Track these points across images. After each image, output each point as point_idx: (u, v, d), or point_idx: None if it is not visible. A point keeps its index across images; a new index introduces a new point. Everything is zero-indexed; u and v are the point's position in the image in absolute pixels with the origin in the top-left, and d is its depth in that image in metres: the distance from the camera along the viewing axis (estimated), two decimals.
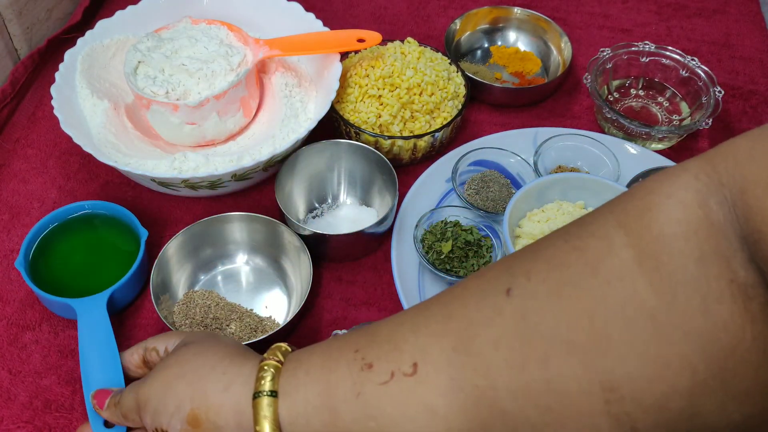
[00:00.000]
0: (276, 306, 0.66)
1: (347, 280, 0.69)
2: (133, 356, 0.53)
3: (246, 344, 0.58)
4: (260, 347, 0.60)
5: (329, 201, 0.75)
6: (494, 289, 0.33)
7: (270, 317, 0.64)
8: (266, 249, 0.69)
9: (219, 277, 0.68)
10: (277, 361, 0.39)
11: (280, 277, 0.68)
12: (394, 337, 0.35)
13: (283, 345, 0.42)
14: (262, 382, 0.38)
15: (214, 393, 0.39)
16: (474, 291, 0.35)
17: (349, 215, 0.73)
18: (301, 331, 0.65)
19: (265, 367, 0.39)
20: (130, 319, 0.65)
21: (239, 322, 0.63)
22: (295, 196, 0.73)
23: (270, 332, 0.60)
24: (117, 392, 0.49)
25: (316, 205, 0.74)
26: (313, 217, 0.73)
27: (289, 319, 0.61)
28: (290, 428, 0.37)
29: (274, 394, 0.37)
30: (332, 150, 0.72)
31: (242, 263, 0.69)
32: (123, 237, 0.68)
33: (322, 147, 0.72)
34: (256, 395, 0.37)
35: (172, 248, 0.65)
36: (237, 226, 0.68)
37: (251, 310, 0.65)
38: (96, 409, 0.51)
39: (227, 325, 0.62)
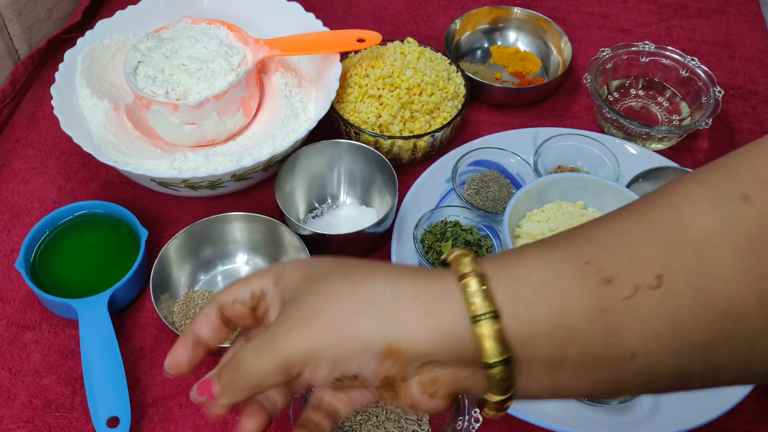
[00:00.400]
0: None
1: None
2: (206, 322, 0.41)
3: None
4: None
5: (329, 201, 0.75)
6: (727, 195, 0.31)
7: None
8: (266, 249, 0.69)
9: (219, 277, 0.68)
10: (478, 276, 0.33)
11: None
12: (627, 247, 0.32)
13: (463, 253, 0.35)
14: (474, 302, 0.32)
15: (413, 321, 0.33)
16: (701, 197, 0.32)
17: (349, 215, 0.73)
18: None
19: (470, 285, 0.33)
20: (130, 319, 0.65)
21: None
22: (295, 196, 0.73)
23: None
24: (225, 370, 0.39)
25: (316, 205, 0.74)
26: (313, 217, 0.74)
27: None
28: (521, 350, 0.32)
29: (495, 315, 0.32)
30: (332, 150, 0.72)
31: (242, 263, 0.69)
32: (123, 237, 0.68)
33: (322, 147, 0.72)
34: (476, 319, 0.32)
35: (172, 248, 0.65)
36: (237, 226, 0.68)
37: None
38: (207, 404, 0.41)
39: None
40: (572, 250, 0.33)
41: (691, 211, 0.32)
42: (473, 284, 0.33)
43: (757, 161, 0.32)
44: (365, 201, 0.74)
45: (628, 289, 0.31)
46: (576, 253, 0.32)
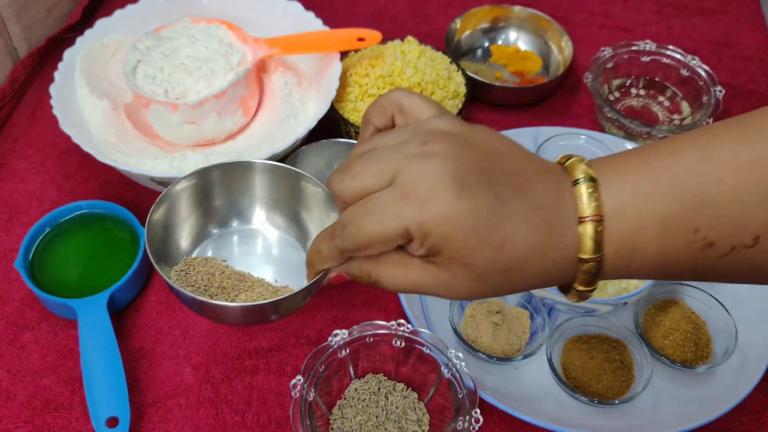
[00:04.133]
0: (293, 273, 0.59)
1: (347, 280, 0.69)
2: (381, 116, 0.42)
3: (271, 302, 0.50)
4: (280, 309, 0.52)
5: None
6: None
7: (287, 286, 0.57)
8: (287, 204, 0.60)
9: (234, 237, 0.61)
10: (590, 182, 0.37)
11: (301, 239, 0.61)
12: (739, 212, 0.35)
13: (579, 159, 0.38)
14: (583, 205, 0.37)
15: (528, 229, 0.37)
16: None
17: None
18: (300, 329, 0.65)
19: (581, 191, 0.37)
20: (130, 319, 0.65)
21: (250, 292, 0.56)
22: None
23: (282, 296, 0.50)
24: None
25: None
26: None
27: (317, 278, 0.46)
28: (613, 254, 0.37)
29: (599, 219, 0.36)
30: (332, 149, 0.72)
31: (253, 222, 0.61)
32: (122, 237, 0.68)
33: (322, 146, 0.71)
34: (582, 220, 0.36)
35: (176, 192, 0.56)
36: (256, 177, 0.59)
37: (262, 279, 0.57)
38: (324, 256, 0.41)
39: (237, 295, 0.55)
40: (687, 215, 0.36)
41: None
42: (584, 190, 0.37)
43: None
44: None
45: (725, 249, 0.35)
46: (689, 218, 0.35)
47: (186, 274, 0.56)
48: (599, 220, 0.36)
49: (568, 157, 0.39)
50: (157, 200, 0.54)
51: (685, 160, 0.36)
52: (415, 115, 0.41)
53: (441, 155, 0.36)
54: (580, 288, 0.38)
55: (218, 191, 0.59)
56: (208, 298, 0.54)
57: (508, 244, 0.36)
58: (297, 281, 0.58)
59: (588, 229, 0.36)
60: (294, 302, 0.51)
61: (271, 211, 0.61)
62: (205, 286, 0.55)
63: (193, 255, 0.59)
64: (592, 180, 0.37)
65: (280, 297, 0.49)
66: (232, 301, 0.54)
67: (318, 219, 0.59)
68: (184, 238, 0.59)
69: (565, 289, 0.40)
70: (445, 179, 0.35)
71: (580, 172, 0.37)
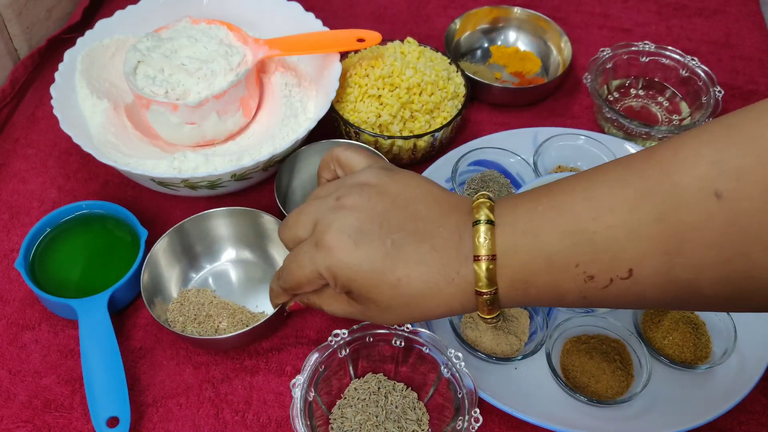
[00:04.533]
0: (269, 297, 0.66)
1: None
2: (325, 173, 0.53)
3: (236, 334, 0.59)
4: (251, 337, 0.61)
5: None
6: (702, 190, 0.36)
7: (263, 312, 0.65)
8: (254, 241, 0.69)
9: (210, 275, 0.68)
10: (487, 224, 0.42)
11: (271, 267, 0.68)
12: (612, 248, 0.38)
13: (484, 202, 0.43)
14: (479, 245, 0.42)
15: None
16: (683, 189, 0.36)
17: None
18: (300, 329, 0.65)
19: (479, 232, 0.42)
20: (130, 319, 0.65)
21: (232, 318, 0.63)
22: (295, 195, 0.72)
23: (257, 323, 0.60)
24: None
25: None
26: None
27: (278, 309, 0.60)
28: (506, 287, 0.42)
29: (492, 258, 0.41)
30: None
31: (231, 258, 0.69)
32: (123, 237, 0.68)
33: (322, 147, 0.72)
34: (477, 258, 0.41)
35: (159, 249, 0.65)
36: (221, 221, 0.68)
37: (243, 306, 0.65)
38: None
39: (220, 322, 0.63)
40: (569, 253, 0.40)
41: (671, 210, 0.37)
42: (481, 231, 0.42)
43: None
44: None
45: (604, 282, 0.39)
46: (571, 256, 0.40)
47: (181, 305, 0.65)
48: (492, 258, 0.41)
49: (480, 197, 0.44)
50: (145, 262, 0.63)
51: (571, 200, 0.40)
52: (350, 167, 0.49)
53: (349, 208, 0.44)
54: (484, 316, 0.44)
55: (194, 241, 0.68)
56: (195, 333, 0.63)
57: (403, 284, 0.42)
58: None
59: (482, 267, 0.41)
60: (264, 330, 0.62)
61: (241, 248, 0.70)
62: (195, 315, 0.64)
63: (189, 287, 0.67)
64: (489, 222, 0.42)
65: (251, 326, 0.60)
66: (216, 327, 0.63)
67: (282, 247, 0.67)
68: (173, 282, 0.67)
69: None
70: (347, 230, 0.43)
71: (482, 215, 0.42)
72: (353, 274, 0.43)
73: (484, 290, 0.42)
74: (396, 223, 0.43)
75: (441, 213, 0.44)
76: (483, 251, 0.41)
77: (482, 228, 0.41)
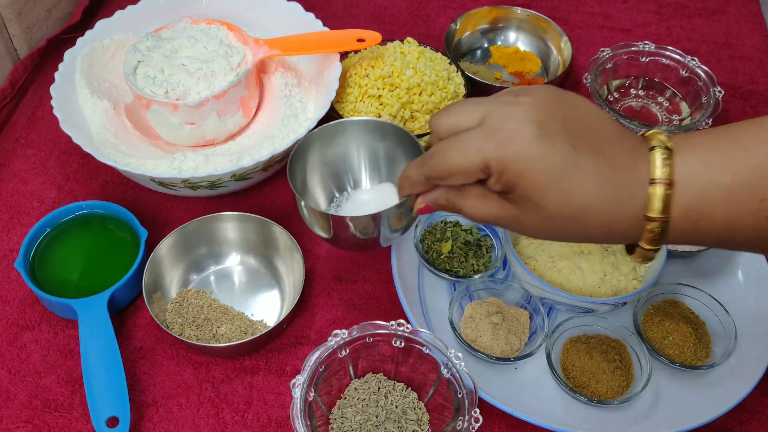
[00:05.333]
0: (269, 306, 0.66)
1: (347, 280, 0.69)
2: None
3: (236, 344, 0.59)
4: (251, 346, 0.62)
5: (350, 187, 0.65)
6: None
7: (261, 320, 0.64)
8: (259, 249, 0.69)
9: (212, 277, 0.68)
10: (665, 150, 0.40)
11: (273, 277, 0.68)
12: None
13: (659, 132, 0.41)
14: (656, 169, 0.39)
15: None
16: None
17: (372, 198, 0.63)
18: (300, 329, 0.65)
19: (656, 156, 0.40)
20: (130, 319, 0.65)
21: (230, 324, 0.63)
22: (312, 182, 0.64)
23: (258, 334, 0.61)
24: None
25: (336, 194, 0.65)
26: (337, 206, 0.65)
27: (278, 321, 0.61)
28: (680, 216, 0.40)
29: (669, 183, 0.39)
30: (343, 131, 0.62)
31: (235, 263, 0.69)
32: (123, 237, 0.68)
33: (332, 129, 0.62)
34: (653, 181, 0.39)
35: (164, 247, 0.65)
36: (230, 225, 0.68)
37: (242, 312, 0.65)
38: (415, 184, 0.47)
39: (218, 327, 0.63)
40: (753, 186, 0.38)
41: None
42: (658, 155, 0.39)
43: None
44: (390, 179, 0.64)
45: None
46: (755, 189, 0.38)
47: (180, 305, 0.64)
48: (669, 183, 0.39)
49: (649, 128, 0.42)
50: (149, 261, 0.63)
51: (758, 136, 0.38)
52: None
53: (529, 104, 0.41)
54: (646, 246, 0.41)
55: (199, 242, 0.68)
56: (196, 341, 0.62)
57: (576, 192, 0.40)
58: (273, 312, 0.66)
59: (657, 191, 0.39)
60: (265, 340, 0.62)
61: (246, 254, 0.69)
62: (193, 317, 0.63)
63: (188, 288, 0.67)
64: (667, 148, 0.39)
65: (253, 337, 0.60)
66: (215, 332, 0.63)
67: (288, 259, 0.67)
68: (174, 282, 0.67)
69: (630, 249, 0.43)
70: (528, 123, 0.40)
71: (657, 141, 0.40)
72: (527, 169, 0.39)
73: (656, 216, 0.39)
74: (576, 131, 0.40)
75: (616, 134, 0.41)
76: (661, 175, 0.39)
77: (660, 153, 0.39)
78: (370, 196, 0.63)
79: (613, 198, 0.40)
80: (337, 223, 0.55)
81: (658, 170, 0.39)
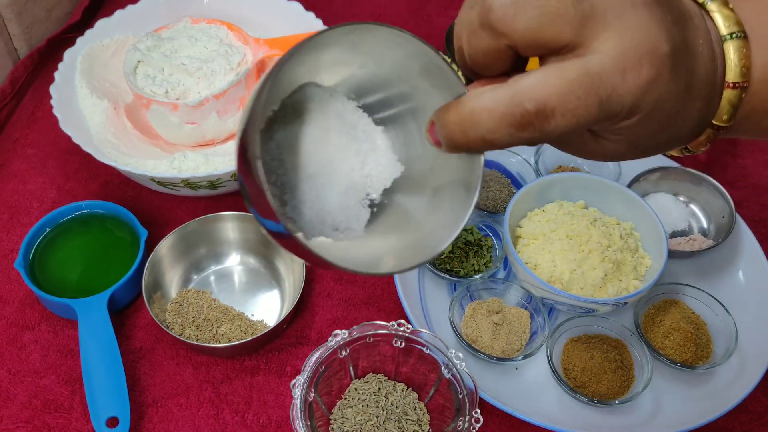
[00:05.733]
0: (269, 306, 0.66)
1: (347, 280, 0.69)
2: None
3: (237, 344, 0.59)
4: (251, 346, 0.61)
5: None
6: None
7: (261, 321, 0.64)
8: (259, 249, 0.69)
9: (212, 277, 0.68)
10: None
11: (273, 277, 0.68)
12: None
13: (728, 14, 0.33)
14: (720, 23, 0.32)
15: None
16: None
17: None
18: (300, 329, 0.65)
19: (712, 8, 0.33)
20: (130, 319, 0.65)
21: (230, 324, 0.63)
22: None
23: (258, 334, 0.60)
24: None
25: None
26: None
27: (278, 321, 0.61)
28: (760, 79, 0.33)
29: (742, 35, 0.32)
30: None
31: (235, 263, 0.69)
32: (123, 237, 0.68)
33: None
34: (724, 38, 0.32)
35: (164, 247, 0.65)
36: (230, 225, 0.68)
37: (242, 313, 0.65)
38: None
39: (218, 327, 0.63)
40: None
41: None
42: (715, 5, 0.32)
43: None
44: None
45: None
46: None
47: (180, 305, 0.64)
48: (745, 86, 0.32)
49: None
50: (149, 260, 0.63)
51: None
52: None
53: (652, 14, 0.30)
54: (717, 123, 0.33)
55: (200, 242, 0.67)
56: (194, 340, 0.61)
57: (684, 125, 0.33)
58: (273, 312, 0.65)
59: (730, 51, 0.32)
60: (265, 340, 0.60)
61: (247, 254, 0.69)
62: (193, 317, 0.63)
63: (189, 288, 0.67)
64: (741, 35, 0.32)
65: (253, 336, 0.59)
66: (215, 332, 0.62)
67: (288, 259, 0.65)
68: (174, 281, 0.66)
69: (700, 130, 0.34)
70: (665, 51, 0.30)
71: (727, 23, 0.32)
72: (656, 110, 0.31)
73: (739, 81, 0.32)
74: (680, 37, 0.31)
75: (677, 18, 0.32)
76: (735, 77, 0.32)
77: (733, 48, 0.32)
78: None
79: (706, 111, 0.33)
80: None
81: (734, 70, 0.32)
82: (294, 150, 0.35)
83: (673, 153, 0.37)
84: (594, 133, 0.33)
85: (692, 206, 0.75)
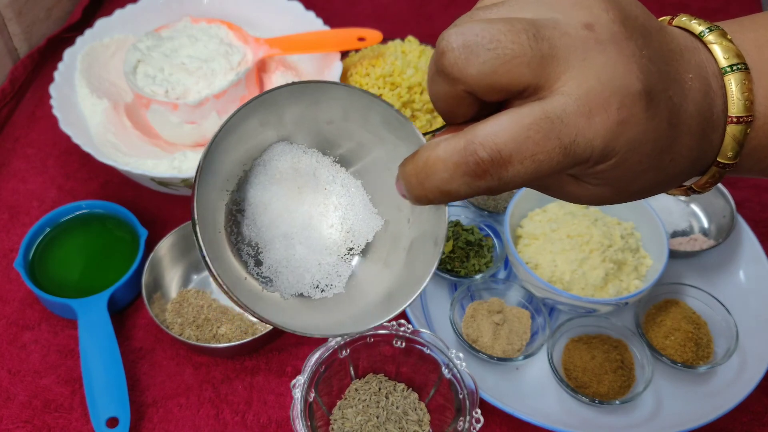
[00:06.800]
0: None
1: None
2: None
3: (237, 344, 0.59)
4: (251, 347, 0.61)
5: None
6: None
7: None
8: None
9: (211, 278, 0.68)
10: (718, 31, 0.33)
11: None
12: None
13: (690, 17, 0.33)
14: (719, 56, 0.32)
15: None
16: None
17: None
18: None
19: (712, 40, 0.32)
20: (130, 319, 0.65)
21: (230, 324, 0.63)
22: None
23: (259, 334, 0.60)
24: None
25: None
26: None
27: None
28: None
29: (743, 67, 0.31)
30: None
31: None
32: (122, 237, 0.68)
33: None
34: (725, 71, 0.31)
35: (164, 247, 0.65)
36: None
37: (242, 313, 0.65)
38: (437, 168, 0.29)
39: (218, 327, 0.63)
40: None
41: None
42: (715, 38, 0.31)
43: None
44: None
45: None
46: None
47: (180, 305, 0.64)
48: (750, 121, 0.31)
49: (689, 20, 0.32)
50: (148, 260, 0.63)
51: None
52: None
53: (622, 49, 0.28)
54: (722, 161, 0.31)
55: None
56: (195, 341, 0.61)
57: (672, 165, 0.30)
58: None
59: (735, 131, 0.31)
60: (265, 340, 0.60)
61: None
62: (193, 317, 0.63)
63: (188, 288, 0.67)
64: (742, 66, 0.31)
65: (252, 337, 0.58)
66: (215, 333, 0.62)
67: None
68: (174, 281, 0.66)
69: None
70: (636, 90, 0.28)
71: (726, 56, 0.31)
72: (632, 152, 0.29)
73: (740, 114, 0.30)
74: (663, 67, 0.30)
75: (673, 47, 0.32)
76: (740, 111, 0.30)
77: (734, 80, 0.31)
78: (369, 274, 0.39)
79: (700, 154, 0.31)
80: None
81: (736, 104, 0.30)
82: (268, 209, 0.35)
83: (677, 194, 0.35)
84: (575, 177, 0.31)
85: (693, 206, 0.75)
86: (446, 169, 0.28)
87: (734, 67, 0.31)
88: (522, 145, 0.27)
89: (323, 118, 0.34)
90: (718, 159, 0.31)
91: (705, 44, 0.32)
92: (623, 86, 0.27)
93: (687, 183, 0.34)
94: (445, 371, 0.56)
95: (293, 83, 0.31)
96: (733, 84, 0.31)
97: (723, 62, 0.31)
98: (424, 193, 0.30)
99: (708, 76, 0.31)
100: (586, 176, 0.30)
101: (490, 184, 0.28)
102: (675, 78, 0.29)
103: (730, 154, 0.31)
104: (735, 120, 0.30)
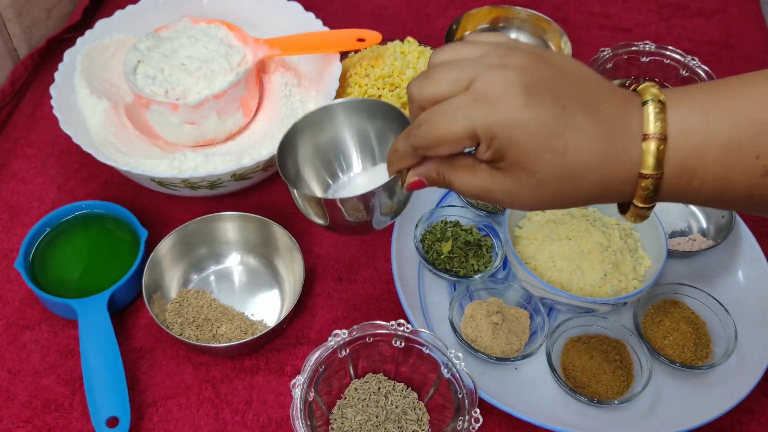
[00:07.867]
0: (269, 306, 0.66)
1: (347, 280, 0.69)
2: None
3: (237, 344, 0.59)
4: (251, 346, 0.62)
5: (344, 170, 0.61)
6: None
7: (261, 321, 0.65)
8: (259, 249, 0.69)
9: (212, 277, 0.68)
10: (658, 104, 0.39)
11: (273, 277, 0.68)
12: None
13: (651, 85, 0.40)
14: (649, 123, 0.38)
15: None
16: None
17: (367, 181, 0.60)
18: (300, 329, 0.65)
19: (649, 110, 0.39)
20: (130, 319, 0.65)
21: (230, 324, 0.63)
22: (306, 174, 0.60)
23: (258, 334, 0.61)
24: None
25: (330, 181, 0.61)
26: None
27: (278, 321, 0.61)
28: (673, 172, 0.39)
29: (663, 137, 0.38)
30: (333, 114, 0.58)
31: (235, 263, 0.69)
32: (123, 237, 0.68)
33: (319, 116, 0.58)
34: (646, 137, 0.38)
35: (164, 247, 0.65)
36: (230, 225, 0.68)
37: (242, 313, 0.65)
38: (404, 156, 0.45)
39: (218, 327, 0.63)
40: (748, 143, 0.37)
41: None
42: (651, 110, 0.38)
43: None
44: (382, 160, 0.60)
45: None
46: (750, 147, 0.37)
47: (180, 305, 0.64)
48: (663, 138, 0.38)
49: (640, 84, 0.41)
50: (149, 260, 0.63)
51: (757, 91, 0.37)
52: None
53: (516, 67, 0.39)
54: (639, 204, 0.40)
55: (200, 242, 0.68)
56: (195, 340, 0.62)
57: (570, 152, 0.38)
58: (273, 312, 0.66)
59: (651, 146, 0.38)
60: (264, 341, 0.62)
61: (247, 254, 0.69)
62: (193, 317, 0.63)
63: (188, 288, 0.67)
64: (660, 102, 0.38)
65: (253, 337, 0.60)
66: (215, 332, 0.63)
67: (288, 259, 0.67)
68: (174, 281, 0.67)
69: (624, 208, 0.42)
70: (516, 87, 0.38)
71: (650, 95, 0.39)
72: (517, 135, 0.38)
73: (649, 173, 0.38)
74: (565, 90, 0.39)
75: (607, 90, 0.40)
76: (654, 129, 0.38)
77: (652, 107, 0.38)
78: (365, 179, 0.60)
79: (606, 154, 0.39)
80: (330, 206, 0.52)
81: (651, 125, 0.38)
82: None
83: (628, 218, 0.42)
84: (492, 165, 0.41)
85: (691, 206, 0.75)
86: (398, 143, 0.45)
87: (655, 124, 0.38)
88: (433, 116, 0.41)
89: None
90: (641, 171, 0.38)
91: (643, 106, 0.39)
92: (504, 84, 0.38)
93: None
94: (444, 371, 0.56)
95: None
96: (652, 113, 0.38)
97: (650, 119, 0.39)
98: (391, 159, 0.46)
99: (630, 110, 0.39)
100: (497, 163, 0.40)
101: (414, 142, 0.42)
102: (575, 94, 0.39)
103: (647, 165, 0.38)
104: (648, 137, 0.38)
